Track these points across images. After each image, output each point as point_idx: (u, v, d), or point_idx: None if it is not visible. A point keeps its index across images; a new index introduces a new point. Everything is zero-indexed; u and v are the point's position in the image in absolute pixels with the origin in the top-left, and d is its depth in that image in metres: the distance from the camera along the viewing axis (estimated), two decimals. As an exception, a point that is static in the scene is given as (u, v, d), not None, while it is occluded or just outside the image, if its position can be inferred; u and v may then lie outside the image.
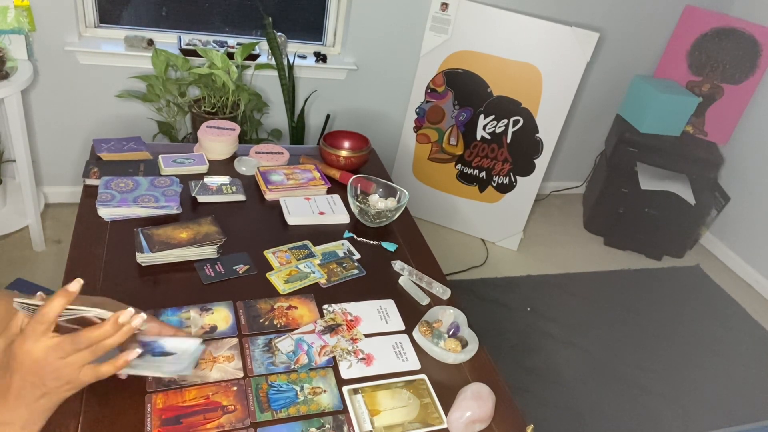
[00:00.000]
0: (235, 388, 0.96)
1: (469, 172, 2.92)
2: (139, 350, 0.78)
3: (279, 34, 2.57)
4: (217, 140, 1.61)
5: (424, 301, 1.25)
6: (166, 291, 1.14)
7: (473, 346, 1.11)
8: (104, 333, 0.73)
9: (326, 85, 2.78)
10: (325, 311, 1.17)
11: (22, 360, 0.70)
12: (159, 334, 0.91)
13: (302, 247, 1.34)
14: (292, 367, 1.03)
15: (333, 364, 1.05)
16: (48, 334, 0.71)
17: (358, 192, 1.51)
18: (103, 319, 0.76)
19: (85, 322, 0.78)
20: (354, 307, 1.19)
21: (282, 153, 1.70)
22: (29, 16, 2.19)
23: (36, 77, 2.37)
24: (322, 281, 1.24)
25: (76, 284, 0.73)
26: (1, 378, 0.72)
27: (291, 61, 2.56)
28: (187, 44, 2.51)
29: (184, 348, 0.89)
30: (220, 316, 1.10)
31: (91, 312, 0.76)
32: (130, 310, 0.76)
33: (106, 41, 2.45)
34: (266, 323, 1.11)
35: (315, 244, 1.36)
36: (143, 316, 0.77)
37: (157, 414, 0.90)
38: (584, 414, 2.15)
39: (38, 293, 0.77)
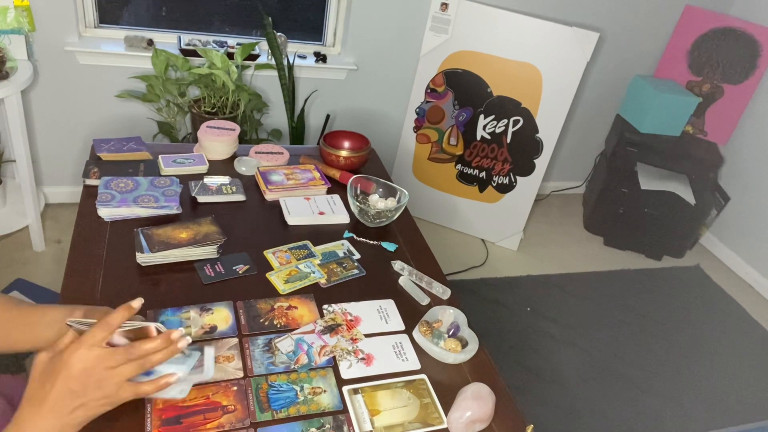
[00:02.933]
0: (235, 388, 0.96)
1: (469, 172, 2.92)
2: (180, 373, 0.79)
3: (279, 34, 2.57)
4: (217, 140, 1.61)
5: (424, 301, 1.25)
6: (166, 291, 1.14)
7: (473, 346, 1.11)
8: (156, 347, 0.76)
9: (326, 85, 2.78)
10: (325, 311, 1.17)
11: (73, 364, 0.72)
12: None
13: (302, 247, 1.34)
14: (292, 367, 1.03)
15: (333, 364, 1.05)
16: (103, 343, 0.74)
17: (358, 192, 1.51)
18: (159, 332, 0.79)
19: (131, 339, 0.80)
20: (354, 307, 1.19)
21: (282, 153, 1.70)
22: (29, 16, 2.19)
23: (36, 77, 2.37)
24: (322, 281, 1.24)
25: (138, 302, 0.77)
26: (40, 387, 0.73)
27: (291, 61, 2.56)
28: (187, 44, 2.51)
29: (204, 358, 0.87)
30: (220, 316, 1.10)
31: (152, 324, 0.79)
32: (180, 329, 0.79)
33: (106, 41, 2.45)
34: (266, 323, 1.11)
35: (315, 244, 1.36)
36: (188, 339, 0.79)
37: (157, 414, 0.90)
38: (584, 414, 2.15)
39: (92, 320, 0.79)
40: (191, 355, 0.86)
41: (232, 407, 0.93)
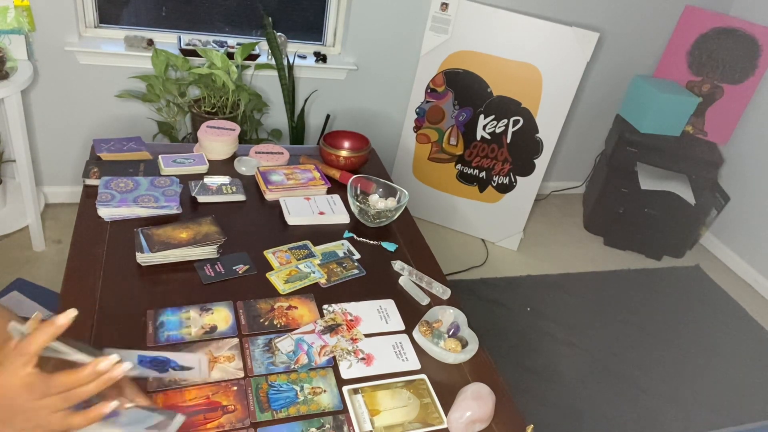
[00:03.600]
0: (235, 388, 0.96)
1: (469, 172, 2.92)
2: (115, 403, 0.69)
3: (279, 34, 2.57)
4: (217, 140, 1.61)
5: (424, 301, 1.25)
6: (166, 291, 1.14)
7: (473, 346, 1.11)
8: (80, 380, 0.66)
9: (326, 85, 2.78)
10: (325, 311, 1.17)
11: None
12: (132, 403, 0.81)
13: (302, 247, 1.34)
14: (292, 367, 1.03)
15: (333, 364, 1.05)
16: (27, 368, 0.64)
17: (358, 192, 1.51)
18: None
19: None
20: (354, 307, 1.19)
21: (282, 153, 1.70)
22: (29, 16, 2.19)
23: (36, 77, 2.37)
24: (322, 281, 1.24)
25: (66, 318, 0.66)
26: None
27: (291, 61, 2.56)
28: (187, 44, 2.51)
29: (173, 424, 0.80)
30: (220, 316, 1.10)
31: (73, 356, 0.69)
32: (113, 357, 0.67)
33: (106, 41, 2.45)
34: (266, 323, 1.11)
35: (315, 244, 1.36)
36: (126, 366, 0.68)
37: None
38: (584, 414, 2.15)
39: (34, 314, 0.70)
40: (154, 415, 0.78)
41: (232, 407, 0.93)
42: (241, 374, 0.99)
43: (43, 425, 0.66)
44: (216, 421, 0.90)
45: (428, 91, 2.78)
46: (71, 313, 0.66)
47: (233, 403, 0.94)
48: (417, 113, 2.84)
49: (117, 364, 0.68)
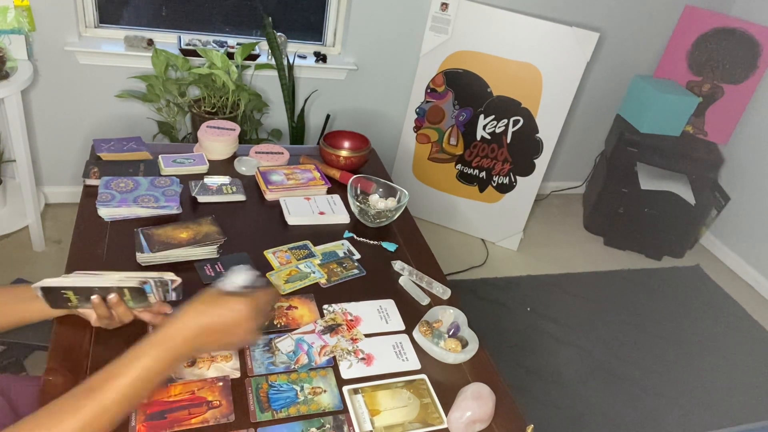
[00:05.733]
0: (220, 383, 0.96)
1: (469, 172, 2.92)
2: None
3: (279, 34, 2.57)
4: (217, 140, 1.61)
5: (424, 301, 1.25)
6: (166, 291, 1.14)
7: (473, 346, 1.11)
8: (268, 301, 0.92)
9: (326, 85, 2.78)
10: (325, 311, 1.17)
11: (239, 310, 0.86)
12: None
13: (302, 247, 1.34)
14: (292, 367, 1.03)
15: (333, 364, 1.05)
16: (250, 304, 0.87)
17: (358, 192, 1.51)
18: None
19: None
20: (354, 307, 1.19)
21: (282, 153, 1.70)
22: (29, 16, 2.19)
23: (36, 77, 2.37)
24: (322, 281, 1.24)
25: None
26: (205, 308, 0.85)
27: (291, 61, 2.56)
28: (187, 44, 2.51)
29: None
30: (220, 316, 1.10)
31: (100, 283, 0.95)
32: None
33: (106, 41, 2.45)
34: (266, 323, 1.11)
35: (315, 244, 1.36)
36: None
37: (141, 409, 0.90)
38: (584, 414, 2.15)
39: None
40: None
41: (217, 402, 0.93)
42: (238, 374, 0.99)
43: (245, 340, 0.88)
44: (200, 416, 0.91)
45: (428, 91, 2.78)
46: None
47: (218, 398, 0.94)
48: (417, 113, 2.84)
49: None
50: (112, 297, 0.94)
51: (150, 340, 0.82)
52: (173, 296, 1.00)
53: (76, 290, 0.94)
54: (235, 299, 0.86)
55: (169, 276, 0.99)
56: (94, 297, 0.93)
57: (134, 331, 1.03)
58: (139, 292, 0.96)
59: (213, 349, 0.97)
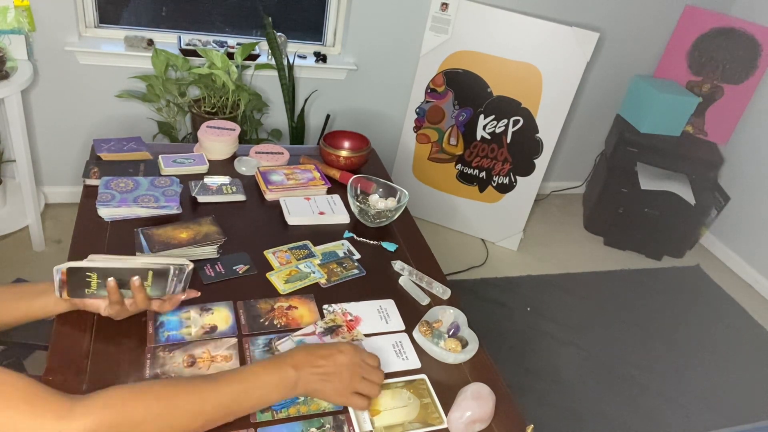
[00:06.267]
0: None
1: (469, 172, 2.92)
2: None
3: (279, 34, 2.57)
4: (217, 140, 1.61)
5: (424, 301, 1.25)
6: (166, 291, 1.14)
7: (473, 346, 1.11)
8: (376, 363, 0.98)
9: (326, 85, 2.79)
10: (325, 311, 1.17)
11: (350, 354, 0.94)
12: None
13: (302, 247, 1.34)
14: (292, 367, 1.03)
15: (333, 364, 1.05)
16: (361, 354, 0.96)
17: (358, 192, 1.51)
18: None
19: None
20: (354, 307, 1.19)
21: (282, 153, 1.70)
22: (29, 16, 2.19)
23: (36, 77, 2.37)
24: (322, 281, 1.24)
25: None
26: (319, 352, 0.93)
27: (291, 61, 2.56)
28: (187, 44, 2.51)
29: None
30: (220, 316, 1.10)
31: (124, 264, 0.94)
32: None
33: (106, 41, 2.45)
34: (266, 323, 1.11)
35: (315, 244, 1.36)
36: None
37: None
38: (584, 414, 2.15)
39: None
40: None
41: None
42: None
43: (350, 387, 0.92)
44: None
45: (428, 91, 2.78)
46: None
47: None
48: (417, 113, 2.84)
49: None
50: (135, 279, 0.94)
51: (260, 362, 0.90)
52: (179, 288, 1.00)
53: (100, 272, 0.92)
54: (341, 342, 0.95)
55: (183, 261, 0.98)
56: (110, 280, 0.92)
57: (136, 331, 1.03)
58: (162, 277, 0.95)
59: (320, 389, 0.91)
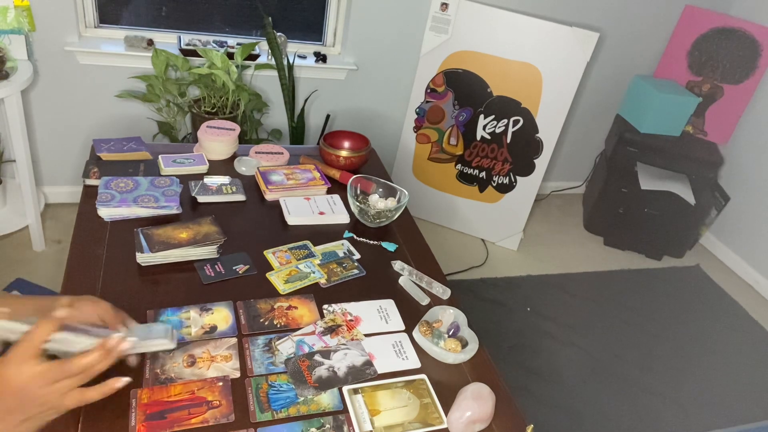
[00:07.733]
0: (220, 384, 0.96)
1: (469, 172, 2.92)
2: (126, 379, 0.77)
3: (279, 34, 2.57)
4: (217, 140, 1.61)
5: (424, 301, 1.25)
6: (166, 291, 1.14)
7: (473, 346, 1.11)
8: (94, 360, 0.74)
9: (326, 85, 2.78)
10: (325, 311, 1.17)
11: (7, 382, 0.69)
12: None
13: (302, 247, 1.34)
14: (292, 367, 1.03)
15: (333, 364, 1.05)
16: (33, 361, 0.70)
17: (358, 192, 1.51)
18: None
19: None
20: (354, 307, 1.19)
21: (282, 153, 1.70)
22: (29, 16, 2.19)
23: (36, 77, 2.37)
24: (322, 281, 1.24)
25: (64, 311, 0.76)
26: None
27: (291, 61, 2.56)
28: (187, 44, 2.51)
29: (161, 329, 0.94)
30: (220, 316, 1.10)
31: (77, 347, 0.78)
32: (118, 335, 0.77)
33: (106, 41, 2.45)
34: (266, 323, 1.11)
35: (315, 244, 1.36)
36: (131, 341, 0.80)
37: (141, 409, 0.90)
38: (584, 414, 2.15)
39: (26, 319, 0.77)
40: (155, 327, 0.94)
41: (217, 402, 0.93)
42: (238, 374, 0.99)
43: (57, 405, 0.72)
44: (200, 416, 0.91)
45: (428, 91, 2.78)
46: (65, 310, 0.77)
47: (218, 398, 0.94)
48: (417, 113, 2.84)
49: (121, 340, 0.76)
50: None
51: None
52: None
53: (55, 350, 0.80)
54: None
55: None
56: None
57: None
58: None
59: (34, 427, 0.74)
